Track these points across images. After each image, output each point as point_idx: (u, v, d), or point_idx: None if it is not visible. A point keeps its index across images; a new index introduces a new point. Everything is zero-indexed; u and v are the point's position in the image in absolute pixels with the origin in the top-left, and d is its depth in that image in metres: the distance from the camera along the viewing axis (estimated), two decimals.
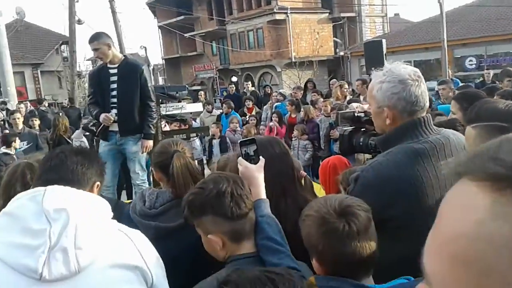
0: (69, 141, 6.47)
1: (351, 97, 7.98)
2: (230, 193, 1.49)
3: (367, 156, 3.05)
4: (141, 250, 1.38)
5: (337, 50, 28.56)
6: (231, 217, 1.47)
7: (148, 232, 1.81)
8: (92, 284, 1.24)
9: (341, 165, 3.10)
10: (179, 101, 5.92)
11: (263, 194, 1.64)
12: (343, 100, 7.90)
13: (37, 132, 7.57)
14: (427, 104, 1.80)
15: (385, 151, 1.81)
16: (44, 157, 1.48)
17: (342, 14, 28.64)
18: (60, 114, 7.22)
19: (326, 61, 27.86)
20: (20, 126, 7.31)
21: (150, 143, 4.72)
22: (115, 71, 4.63)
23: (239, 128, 8.66)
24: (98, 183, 1.48)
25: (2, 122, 9.41)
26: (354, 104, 3.04)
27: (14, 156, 6.52)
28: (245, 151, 1.71)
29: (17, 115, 7.39)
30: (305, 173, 3.08)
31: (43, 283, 1.17)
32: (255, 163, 1.67)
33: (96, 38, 4.55)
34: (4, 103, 12.80)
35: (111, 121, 4.61)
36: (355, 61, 25.30)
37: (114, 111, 4.64)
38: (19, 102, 12.55)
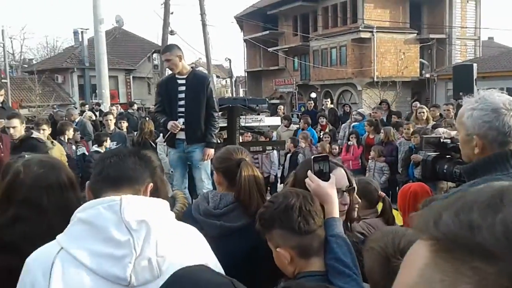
0: (153, 144, 6.85)
1: (435, 122, 7.68)
2: (298, 208, 1.50)
3: (451, 184, 2.93)
4: (205, 248, 1.48)
5: (423, 72, 27.51)
6: (299, 231, 1.49)
7: (213, 231, 1.91)
8: None
9: (423, 193, 3.00)
10: (258, 114, 6.05)
11: (336, 213, 1.62)
12: (425, 124, 7.62)
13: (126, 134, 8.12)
14: None
15: (470, 181, 1.74)
16: (102, 155, 1.51)
17: (431, 35, 27.59)
18: (147, 118, 7.67)
19: (410, 83, 26.96)
20: (112, 127, 7.88)
21: (212, 151, 4.82)
22: (183, 81, 4.82)
23: (304, 145, 8.65)
24: (151, 184, 1.52)
25: (93, 122, 10.19)
26: (441, 130, 2.94)
27: None
28: (318, 167, 1.70)
29: (110, 116, 7.98)
30: (384, 194, 3.04)
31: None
32: (326, 180, 1.67)
33: (169, 50, 4.80)
34: (98, 104, 13.87)
35: (178, 129, 4.78)
36: (441, 84, 24.21)
37: (182, 119, 4.82)
38: (111, 105, 13.51)
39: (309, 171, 1.69)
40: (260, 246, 1.60)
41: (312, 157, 1.77)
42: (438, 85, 24.66)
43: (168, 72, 5.23)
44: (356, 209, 1.89)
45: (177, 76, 4.85)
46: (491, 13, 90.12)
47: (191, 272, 1.07)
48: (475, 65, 8.90)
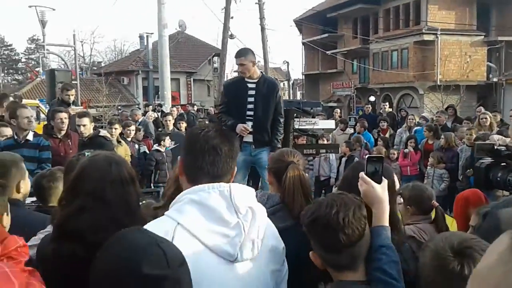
0: None
1: (498, 128, 7.35)
2: (326, 224, 1.47)
3: (506, 193, 2.84)
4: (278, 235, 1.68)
5: (490, 76, 26.15)
6: (324, 248, 1.50)
7: None
8: (263, 262, 1.55)
9: (475, 199, 2.92)
10: (313, 117, 6.10)
11: (385, 219, 1.58)
12: (489, 130, 7.30)
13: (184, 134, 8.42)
14: None
15: None
16: (196, 143, 1.56)
17: (500, 38, 26.16)
18: (206, 121, 7.93)
19: (476, 87, 25.74)
20: (171, 127, 8.22)
21: None
22: (254, 86, 4.86)
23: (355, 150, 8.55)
24: (235, 170, 1.65)
25: (155, 122, 10.63)
26: (496, 137, 2.86)
27: (164, 153, 7.39)
28: (373, 168, 1.66)
29: (169, 117, 8.32)
30: (437, 204, 2.99)
31: (235, 263, 1.47)
32: (379, 183, 1.63)
33: (244, 54, 4.83)
34: (160, 105, 14.44)
35: (247, 133, 4.87)
36: (510, 89, 22.93)
37: (250, 123, 4.89)
38: (172, 106, 14.03)
39: (361, 172, 1.66)
40: (303, 248, 1.61)
41: (367, 156, 1.73)
42: (506, 89, 23.39)
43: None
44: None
45: (247, 79, 4.88)
46: None
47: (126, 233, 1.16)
48: None
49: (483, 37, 26.34)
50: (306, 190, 2.17)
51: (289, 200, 2.11)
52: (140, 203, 2.63)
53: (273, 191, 2.30)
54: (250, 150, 5.00)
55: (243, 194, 1.49)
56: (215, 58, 32.06)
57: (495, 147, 2.35)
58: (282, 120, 5.08)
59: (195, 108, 16.04)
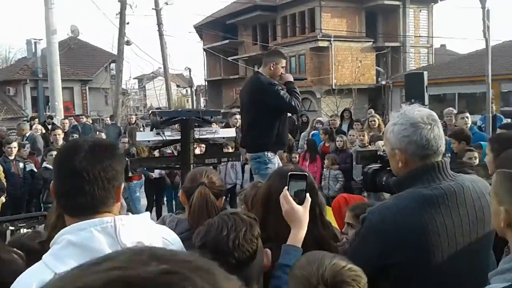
0: None
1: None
2: (225, 247, 1.41)
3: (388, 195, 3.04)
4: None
5: (379, 79, 28.27)
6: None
7: None
8: None
9: (343, 201, 3.06)
10: (216, 125, 5.98)
11: (299, 241, 1.59)
12: (378, 131, 7.79)
13: None
14: (442, 148, 1.74)
15: (398, 193, 1.78)
16: (65, 170, 1.36)
17: (387, 44, 28.42)
18: (97, 132, 7.44)
19: (367, 90, 27.61)
20: (60, 142, 7.61)
21: None
22: None
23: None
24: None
25: (43, 137, 9.82)
26: (380, 143, 3.00)
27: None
28: (295, 187, 1.65)
29: (58, 131, 7.71)
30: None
31: None
32: (301, 202, 1.63)
33: None
34: (51, 117, 13.39)
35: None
36: (397, 91, 24.92)
37: None
38: (65, 117, 13.08)
39: (285, 189, 1.65)
40: None
41: (289, 173, 1.69)
42: (393, 91, 25.38)
43: None
44: None
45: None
46: (443, 22, 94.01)
47: None
48: (425, 72, 9.15)
49: (371, 43, 28.36)
50: (212, 214, 2.03)
51: (196, 225, 1.96)
52: (26, 234, 2.34)
53: (186, 211, 2.22)
54: None
55: (131, 228, 1.31)
56: (113, 65, 30.75)
57: (378, 153, 2.45)
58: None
59: (90, 119, 15.13)
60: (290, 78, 4.71)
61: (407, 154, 1.72)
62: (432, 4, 29.74)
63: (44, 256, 1.29)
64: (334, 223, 3.22)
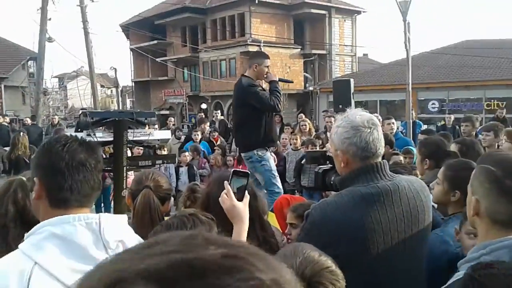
0: (28, 161, 6.21)
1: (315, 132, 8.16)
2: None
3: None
4: None
5: (307, 85, 29.17)
6: None
7: None
8: None
9: (285, 202, 3.15)
10: (149, 127, 5.82)
11: (244, 236, 1.62)
12: (308, 135, 8.04)
13: None
14: (380, 150, 1.86)
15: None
16: (64, 165, 1.38)
17: (314, 51, 29.40)
18: (21, 133, 6.95)
19: (296, 95, 28.35)
20: None
21: None
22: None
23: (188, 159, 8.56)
24: None
25: None
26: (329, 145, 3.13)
27: None
28: (239, 183, 1.68)
29: None
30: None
31: None
32: (240, 199, 1.66)
33: None
34: None
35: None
36: (324, 96, 25.85)
37: None
38: None
39: (226, 184, 1.67)
40: None
41: (232, 170, 1.75)
42: (320, 97, 26.29)
43: None
44: None
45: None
46: (366, 32, 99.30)
47: None
48: (352, 80, 9.53)
49: (299, 50, 29.20)
50: (155, 218, 2.05)
51: (139, 229, 1.92)
52: None
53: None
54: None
55: (114, 226, 1.36)
56: (31, 63, 28.85)
57: (327, 154, 2.57)
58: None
59: (7, 119, 14.08)
60: (274, 78, 4.89)
61: (348, 155, 1.83)
62: (355, 15, 31.26)
63: (20, 246, 1.27)
64: (276, 224, 3.27)
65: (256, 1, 26.77)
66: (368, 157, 1.81)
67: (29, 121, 13.51)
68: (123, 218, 1.48)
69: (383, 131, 6.70)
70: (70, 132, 6.60)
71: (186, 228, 1.42)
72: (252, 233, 1.76)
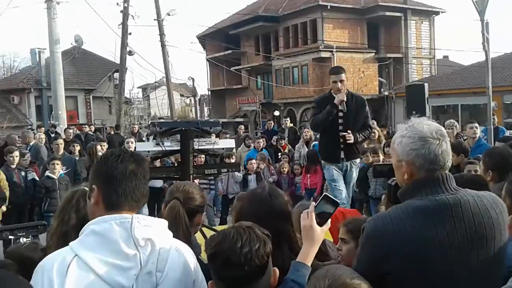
0: None
1: (386, 140, 7.89)
2: (237, 260, 1.45)
3: None
4: (194, 265, 1.64)
5: (382, 90, 28.31)
6: (229, 284, 1.48)
7: None
8: None
9: (340, 216, 3.07)
10: (215, 136, 5.99)
11: (310, 260, 1.64)
12: (378, 143, 7.80)
13: (76, 158, 7.88)
14: (448, 163, 1.74)
15: None
16: (119, 173, 1.58)
17: (389, 55, 28.51)
18: (98, 144, 7.48)
19: (370, 100, 27.51)
20: (61, 151, 7.64)
21: (351, 138, 5.13)
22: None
23: (262, 166, 8.64)
24: None
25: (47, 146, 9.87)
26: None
27: (56, 180, 6.82)
28: (325, 208, 1.72)
29: (60, 140, 7.74)
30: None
31: None
32: (321, 224, 1.70)
33: (343, 72, 5.34)
34: (54, 126, 13.47)
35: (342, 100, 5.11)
36: (399, 101, 24.94)
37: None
38: (68, 126, 13.16)
39: (312, 205, 1.72)
40: None
41: (324, 194, 1.78)
42: (396, 102, 25.41)
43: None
44: None
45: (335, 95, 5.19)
46: (445, 33, 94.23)
47: None
48: (426, 84, 9.15)
49: (373, 54, 28.47)
50: (179, 230, 2.05)
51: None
52: (24, 245, 2.38)
53: None
54: (342, 165, 5.29)
55: (144, 226, 1.51)
56: (116, 75, 30.91)
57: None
58: (367, 130, 5.41)
59: (93, 128, 15.15)
60: (336, 101, 5.15)
61: (414, 167, 1.74)
62: (433, 16, 29.87)
63: (71, 243, 1.51)
64: (330, 237, 3.22)
65: (328, 7, 26.56)
66: (435, 170, 1.71)
67: (112, 131, 14.45)
68: (160, 222, 1.61)
69: (465, 135, 6.33)
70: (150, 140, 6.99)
71: (241, 240, 1.46)
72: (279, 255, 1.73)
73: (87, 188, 2.20)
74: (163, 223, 1.62)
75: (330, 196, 1.76)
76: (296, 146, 9.78)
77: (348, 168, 5.34)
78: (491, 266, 1.69)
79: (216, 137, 6.94)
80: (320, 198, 1.72)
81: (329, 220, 1.71)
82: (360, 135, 5.26)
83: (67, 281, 1.40)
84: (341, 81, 5.20)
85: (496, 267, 1.71)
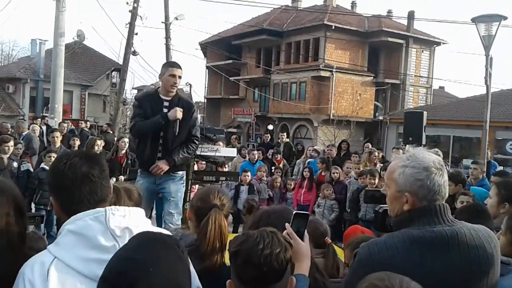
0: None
1: (381, 164, 7.95)
2: (257, 260, 1.45)
3: None
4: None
5: (377, 114, 28.57)
6: (246, 284, 1.47)
7: None
8: None
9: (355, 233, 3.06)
10: (214, 144, 5.98)
11: (306, 272, 1.69)
12: (373, 166, 7.85)
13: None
14: (447, 194, 1.75)
15: None
16: (69, 182, 1.53)
17: (387, 80, 28.83)
18: (99, 140, 7.44)
19: (364, 123, 27.86)
20: (58, 144, 7.57)
21: (164, 166, 4.43)
22: (167, 104, 4.48)
23: (265, 178, 8.66)
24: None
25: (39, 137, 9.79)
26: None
27: None
28: (299, 225, 1.75)
29: (57, 133, 7.68)
30: (330, 241, 3.06)
31: None
32: (301, 238, 1.74)
33: (181, 67, 4.53)
34: (44, 117, 13.30)
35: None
36: (393, 127, 25.19)
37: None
38: (63, 120, 13.05)
39: (288, 226, 1.73)
40: None
41: (294, 212, 1.79)
42: (390, 127, 25.63)
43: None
44: None
45: (162, 96, 4.50)
46: (443, 64, 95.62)
47: None
48: (425, 112, 9.24)
49: (372, 78, 28.77)
50: (224, 237, 2.07)
51: (206, 247, 2.03)
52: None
53: (191, 228, 2.21)
54: (155, 178, 4.53)
55: (119, 216, 1.50)
56: (114, 73, 30.82)
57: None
58: (197, 143, 4.71)
59: (88, 124, 15.06)
60: (170, 115, 4.45)
61: (416, 197, 1.72)
62: (434, 46, 30.33)
63: (48, 246, 1.51)
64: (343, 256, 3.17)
65: (333, 27, 26.86)
66: (435, 200, 1.71)
67: (108, 128, 14.35)
68: (136, 210, 1.59)
69: (469, 174, 6.21)
70: None
71: (263, 242, 1.47)
72: None
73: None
74: (140, 211, 1.60)
75: (299, 212, 1.80)
76: (297, 161, 9.83)
77: (163, 181, 4.56)
78: None
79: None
80: (292, 217, 1.75)
81: (306, 232, 1.76)
82: (182, 152, 4.50)
83: (50, 285, 1.39)
84: (179, 77, 4.46)
85: None
